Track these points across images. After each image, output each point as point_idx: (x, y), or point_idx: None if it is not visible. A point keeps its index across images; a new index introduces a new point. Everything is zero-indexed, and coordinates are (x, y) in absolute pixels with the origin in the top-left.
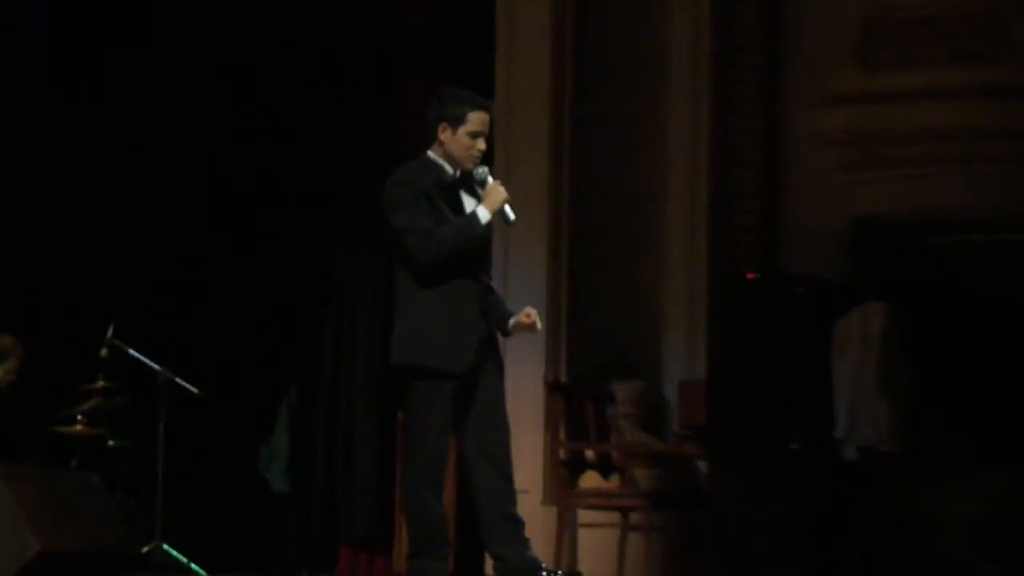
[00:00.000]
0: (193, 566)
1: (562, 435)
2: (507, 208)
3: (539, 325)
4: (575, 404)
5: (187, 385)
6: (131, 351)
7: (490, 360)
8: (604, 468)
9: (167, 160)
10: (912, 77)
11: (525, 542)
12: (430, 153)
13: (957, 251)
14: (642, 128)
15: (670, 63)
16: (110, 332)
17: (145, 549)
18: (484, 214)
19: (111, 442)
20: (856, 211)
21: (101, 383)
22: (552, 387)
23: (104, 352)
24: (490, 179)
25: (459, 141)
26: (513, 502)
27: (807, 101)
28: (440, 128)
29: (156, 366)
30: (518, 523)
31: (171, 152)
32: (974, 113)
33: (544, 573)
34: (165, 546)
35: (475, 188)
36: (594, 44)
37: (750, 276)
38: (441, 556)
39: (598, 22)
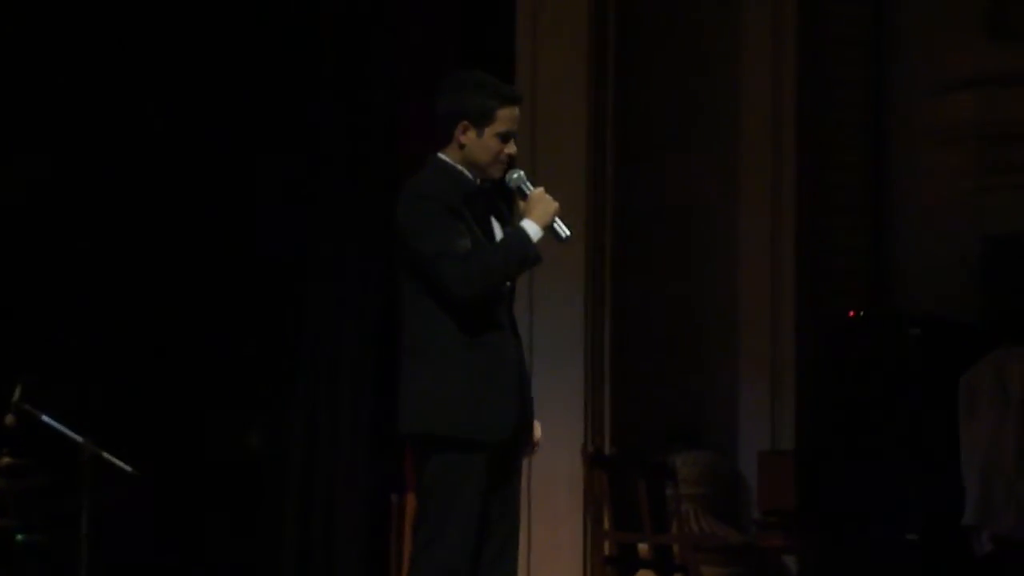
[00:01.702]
0: None
1: (607, 523)
2: (558, 221)
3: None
4: (623, 483)
5: (117, 462)
6: (44, 418)
7: (524, 436)
8: (662, 566)
9: (96, 169)
10: None
11: None
12: (443, 156)
13: None
14: (708, 120)
15: (742, 32)
16: (17, 393)
17: None
18: (534, 229)
19: (19, 536)
20: (987, 228)
21: (5, 459)
22: (593, 461)
23: (9, 419)
24: (530, 186)
25: (485, 145)
26: None
27: (923, 85)
28: (460, 127)
29: (78, 437)
30: None
31: (100, 157)
32: None
33: None
34: None
35: (500, 200)
36: (642, 19)
37: (851, 314)
38: None
39: None
